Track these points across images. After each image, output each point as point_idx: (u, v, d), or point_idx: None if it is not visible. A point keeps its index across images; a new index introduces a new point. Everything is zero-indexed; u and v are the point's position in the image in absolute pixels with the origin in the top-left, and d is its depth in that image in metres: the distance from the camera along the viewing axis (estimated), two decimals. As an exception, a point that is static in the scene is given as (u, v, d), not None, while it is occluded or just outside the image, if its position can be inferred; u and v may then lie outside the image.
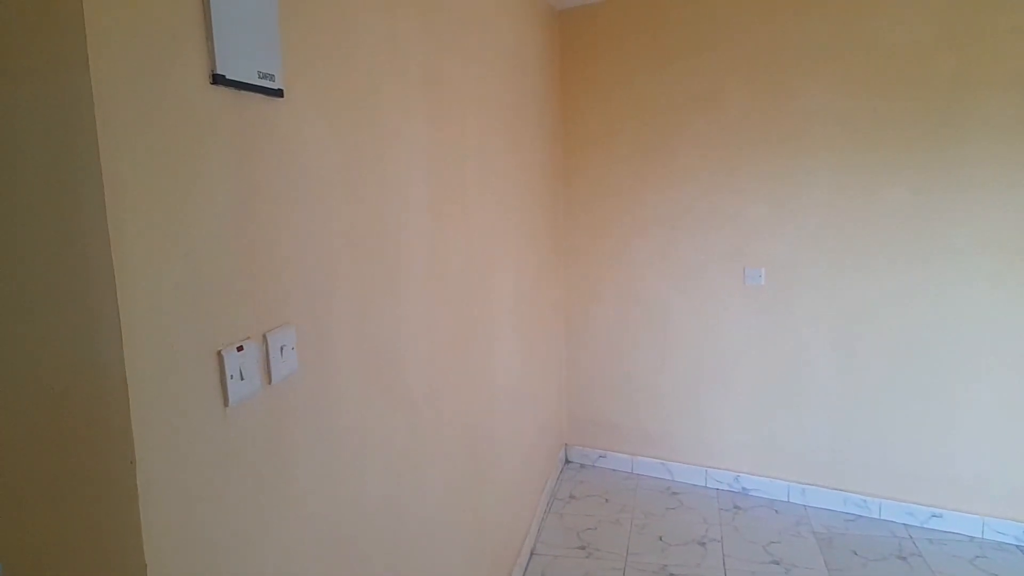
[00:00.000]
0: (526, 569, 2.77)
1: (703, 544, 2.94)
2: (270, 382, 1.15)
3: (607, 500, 3.31)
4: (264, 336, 1.13)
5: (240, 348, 1.07)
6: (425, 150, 1.79)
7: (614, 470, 3.64)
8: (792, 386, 3.22)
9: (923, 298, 2.96)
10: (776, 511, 3.19)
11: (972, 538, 2.94)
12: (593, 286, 3.58)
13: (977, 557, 2.79)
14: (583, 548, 2.92)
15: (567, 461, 3.76)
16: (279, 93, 1.16)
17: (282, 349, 1.17)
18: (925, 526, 3.02)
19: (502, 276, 2.56)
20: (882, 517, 3.10)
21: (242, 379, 1.07)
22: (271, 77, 1.13)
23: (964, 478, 2.97)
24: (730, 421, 3.36)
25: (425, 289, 1.81)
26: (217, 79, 1.01)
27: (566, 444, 3.76)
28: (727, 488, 3.40)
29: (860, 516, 3.13)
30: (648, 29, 3.29)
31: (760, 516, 3.14)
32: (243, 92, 1.08)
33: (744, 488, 3.35)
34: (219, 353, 1.03)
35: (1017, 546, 2.87)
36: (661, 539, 2.99)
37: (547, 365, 3.32)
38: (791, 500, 3.26)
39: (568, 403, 3.71)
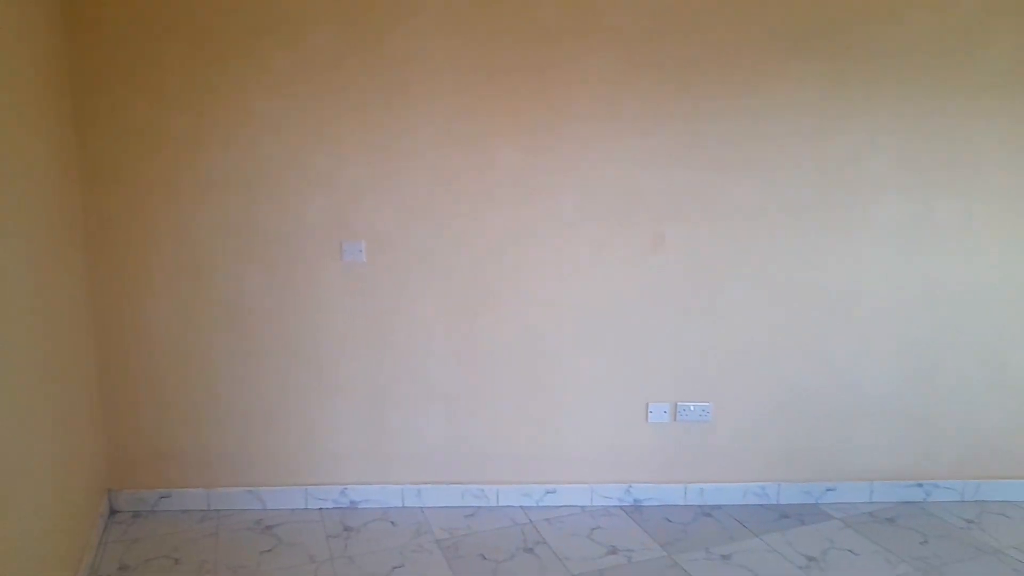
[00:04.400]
0: None
1: (308, 599, 2.41)
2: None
3: (177, 560, 2.54)
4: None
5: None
6: None
7: (184, 512, 2.85)
8: (405, 378, 2.80)
9: (534, 272, 2.78)
10: (393, 522, 2.81)
11: (584, 507, 2.94)
12: (139, 273, 2.64)
13: (593, 529, 2.78)
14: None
15: (113, 512, 2.83)
16: None
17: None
18: (541, 504, 2.94)
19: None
20: (500, 504, 2.93)
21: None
22: None
23: (571, 450, 2.94)
24: (333, 426, 2.82)
25: None
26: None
27: (110, 490, 2.81)
28: (333, 506, 2.90)
29: (479, 507, 2.92)
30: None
31: (376, 534, 2.72)
32: None
33: (353, 502, 2.90)
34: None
35: (620, 507, 2.97)
36: (253, 607, 2.38)
37: (65, 388, 2.33)
38: (407, 504, 2.91)
39: (108, 433, 2.76)
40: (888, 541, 2.73)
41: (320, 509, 2.89)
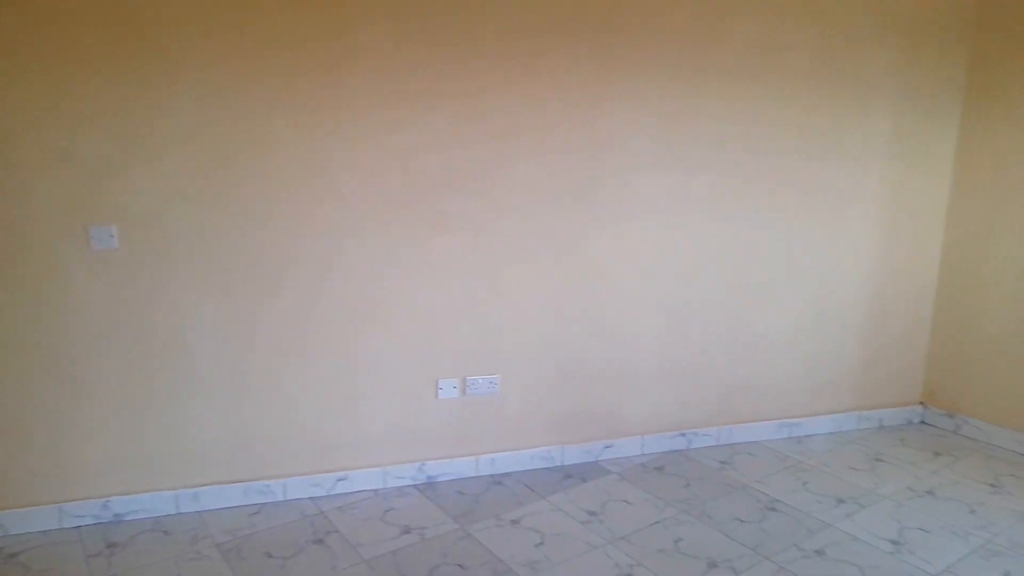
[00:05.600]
0: None
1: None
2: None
3: None
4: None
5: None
6: None
7: (-100, 550, 2.43)
8: (171, 372, 2.58)
9: (315, 253, 2.68)
10: (166, 532, 2.59)
11: (376, 491, 2.92)
12: None
13: (387, 511, 2.77)
14: None
15: None
16: None
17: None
18: (333, 493, 2.88)
19: None
20: (288, 498, 2.82)
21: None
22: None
23: (361, 433, 2.90)
24: (88, 433, 2.52)
25: None
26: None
27: None
28: (94, 522, 2.61)
29: (265, 504, 2.79)
30: None
31: (146, 546, 2.50)
32: None
33: (118, 515, 2.63)
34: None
35: (414, 485, 2.99)
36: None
37: None
38: (182, 511, 2.70)
39: None
40: (657, 488, 3.02)
41: (78, 527, 2.59)
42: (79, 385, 2.50)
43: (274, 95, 2.51)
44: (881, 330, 3.64)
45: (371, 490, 2.94)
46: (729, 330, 3.35)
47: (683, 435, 3.39)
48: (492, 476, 3.09)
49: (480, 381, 3.00)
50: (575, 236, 3.00)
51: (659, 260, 3.16)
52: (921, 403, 3.81)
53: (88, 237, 2.40)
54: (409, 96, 2.66)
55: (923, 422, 3.80)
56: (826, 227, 3.40)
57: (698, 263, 3.22)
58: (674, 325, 3.25)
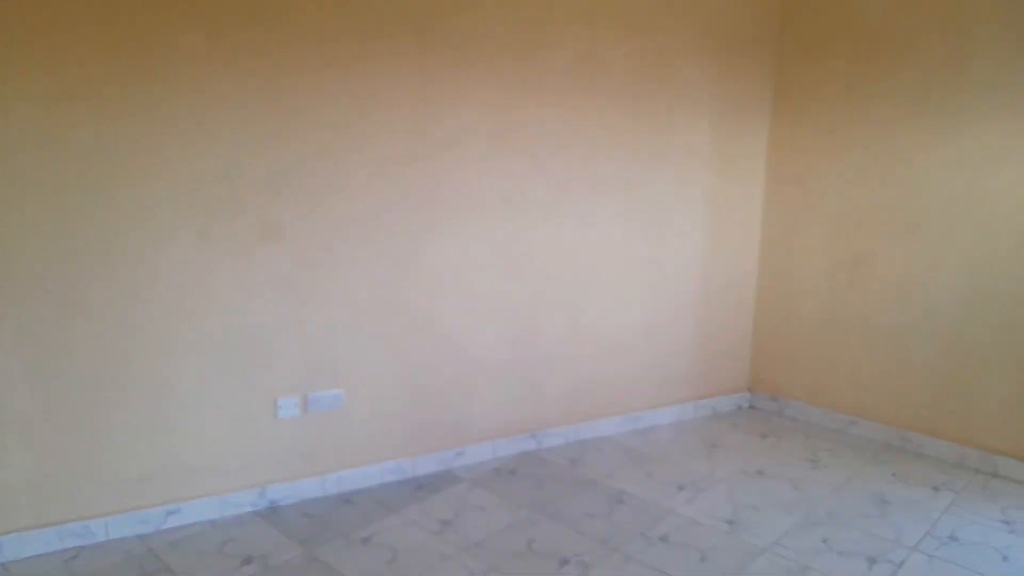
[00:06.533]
0: None
1: None
2: None
3: None
4: None
5: None
6: None
7: None
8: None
9: (131, 268, 2.47)
10: (-41, 592, 2.29)
11: (213, 522, 2.73)
12: None
13: (225, 542, 2.59)
14: None
15: None
16: None
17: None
18: (163, 528, 2.65)
19: None
20: (111, 537, 2.56)
21: None
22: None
23: (193, 462, 2.70)
24: None
25: None
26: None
27: None
28: None
29: (84, 547, 2.52)
30: None
31: (-68, 612, 2.19)
32: None
33: (-102, 579, 2.30)
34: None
35: (255, 512, 2.82)
36: None
37: None
38: (-19, 565, 2.40)
39: None
40: (510, 492, 3.04)
41: None
42: None
43: (75, 85, 2.30)
44: (712, 324, 3.90)
45: (207, 521, 2.74)
46: (572, 330, 3.45)
47: (534, 436, 3.44)
48: (341, 495, 2.98)
49: (323, 397, 2.89)
50: (412, 242, 2.96)
51: (498, 264, 3.19)
52: (749, 390, 4.12)
53: None
54: (227, 97, 2.52)
55: (751, 407, 4.11)
56: (657, 230, 3.60)
57: (538, 265, 3.29)
58: (518, 327, 3.30)
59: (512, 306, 3.26)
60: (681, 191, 3.62)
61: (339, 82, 2.70)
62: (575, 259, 3.38)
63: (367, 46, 2.73)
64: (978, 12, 3.08)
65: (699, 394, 3.94)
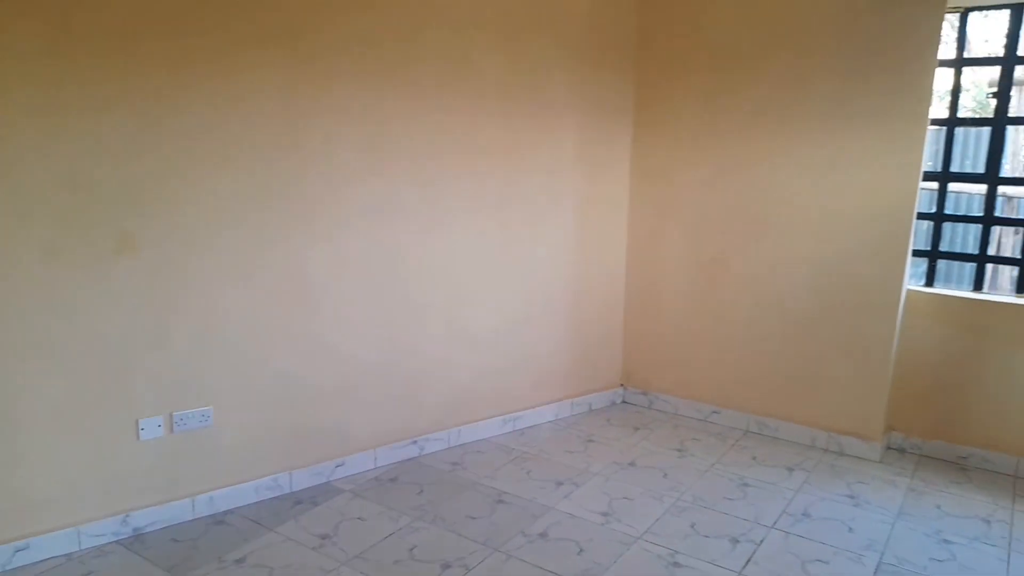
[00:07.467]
0: None
1: None
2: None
3: None
4: None
5: None
6: None
7: None
8: None
9: None
10: None
11: (70, 555, 2.55)
12: None
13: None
14: None
15: None
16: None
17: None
18: (11, 567, 2.44)
19: None
20: (-51, 583, 2.37)
21: None
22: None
23: (40, 494, 2.50)
24: None
25: None
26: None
27: None
28: None
29: (-85, 596, 2.31)
30: None
31: None
32: None
33: None
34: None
35: (117, 541, 2.65)
36: None
37: None
38: None
39: None
40: (391, 500, 3.02)
41: None
42: None
43: None
44: (584, 321, 4.04)
45: (63, 555, 2.55)
46: (447, 334, 3.47)
47: (415, 442, 3.44)
48: (212, 516, 2.86)
49: (190, 415, 2.76)
50: (279, 250, 2.87)
51: (372, 270, 3.16)
52: (622, 385, 4.30)
53: None
54: (72, 99, 2.36)
55: (625, 402, 4.29)
56: (529, 231, 3.69)
57: (411, 270, 3.29)
58: (393, 334, 3.28)
59: (389, 312, 3.24)
60: (552, 193, 3.73)
61: (200, 88, 2.58)
62: (449, 262, 3.41)
63: (233, 51, 2.63)
64: (818, 35, 3.38)
65: (575, 392, 4.08)
